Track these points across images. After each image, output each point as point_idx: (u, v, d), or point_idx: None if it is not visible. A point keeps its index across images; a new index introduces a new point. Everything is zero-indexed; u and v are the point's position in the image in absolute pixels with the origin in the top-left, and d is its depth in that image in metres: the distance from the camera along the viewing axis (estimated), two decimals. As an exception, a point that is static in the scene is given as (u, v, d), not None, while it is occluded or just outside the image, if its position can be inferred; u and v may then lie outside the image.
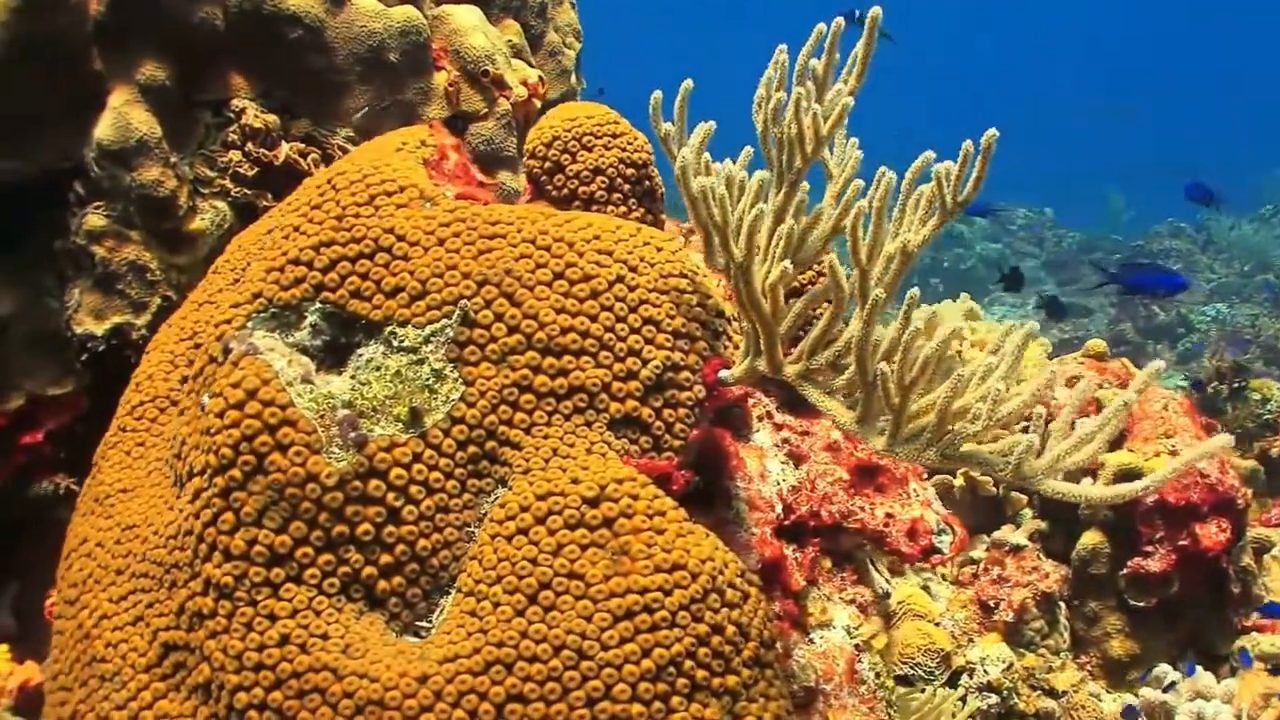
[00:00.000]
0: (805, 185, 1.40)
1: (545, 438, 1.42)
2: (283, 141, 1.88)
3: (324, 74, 1.92)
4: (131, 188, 1.78)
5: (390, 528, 1.37)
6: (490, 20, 2.24)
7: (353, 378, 1.42)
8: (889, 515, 1.77)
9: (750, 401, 1.80)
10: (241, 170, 1.85)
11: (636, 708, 1.30)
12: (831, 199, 1.45)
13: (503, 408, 1.41)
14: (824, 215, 1.38)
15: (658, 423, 1.45)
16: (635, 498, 1.38)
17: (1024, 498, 2.36)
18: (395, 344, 1.43)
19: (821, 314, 1.35)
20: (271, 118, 1.89)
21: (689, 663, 1.33)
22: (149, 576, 1.46)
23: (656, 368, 1.45)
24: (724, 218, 1.27)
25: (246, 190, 1.86)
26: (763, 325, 1.33)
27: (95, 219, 1.80)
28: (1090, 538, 2.22)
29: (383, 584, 1.37)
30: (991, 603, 2.17)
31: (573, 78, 2.46)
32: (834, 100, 1.38)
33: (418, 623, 1.39)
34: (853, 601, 1.74)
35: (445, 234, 1.46)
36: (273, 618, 1.34)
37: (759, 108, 1.44)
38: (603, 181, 1.69)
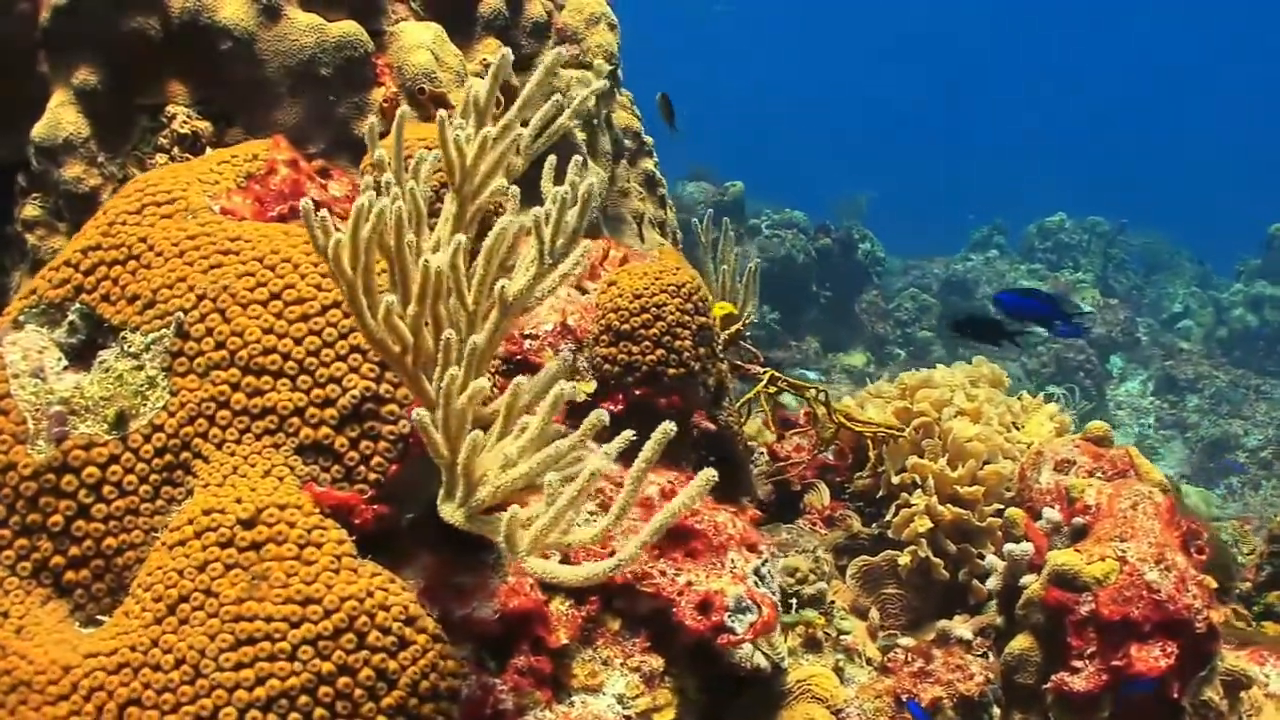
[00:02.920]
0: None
1: (232, 455, 1.44)
2: (208, 149, 1.99)
3: (255, 85, 2.01)
4: (59, 182, 1.94)
5: (80, 522, 1.43)
6: (471, 38, 2.27)
7: (86, 377, 1.50)
8: (688, 584, 1.65)
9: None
10: (167, 173, 1.98)
11: (241, 733, 1.30)
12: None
13: (200, 420, 1.45)
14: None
15: (352, 453, 1.44)
16: (291, 525, 1.37)
17: (984, 588, 2.13)
18: (125, 349, 1.49)
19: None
20: (204, 124, 2.00)
21: (305, 699, 1.31)
22: (-77, 538, 1.59)
23: (355, 397, 1.43)
24: (323, 243, 1.24)
25: (170, 192, 1.98)
26: (389, 359, 1.29)
27: (31, 209, 1.98)
28: (1019, 642, 1.96)
29: (70, 574, 1.44)
30: (905, 697, 1.98)
31: (574, 98, 2.43)
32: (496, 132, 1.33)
33: (100, 616, 1.44)
34: (637, 670, 1.64)
35: (187, 246, 1.51)
36: (-34, 591, 1.43)
37: None
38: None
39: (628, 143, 3.22)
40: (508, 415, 1.13)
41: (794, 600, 2.11)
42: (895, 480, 2.21)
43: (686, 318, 1.76)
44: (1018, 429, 2.35)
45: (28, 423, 1.45)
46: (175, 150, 1.99)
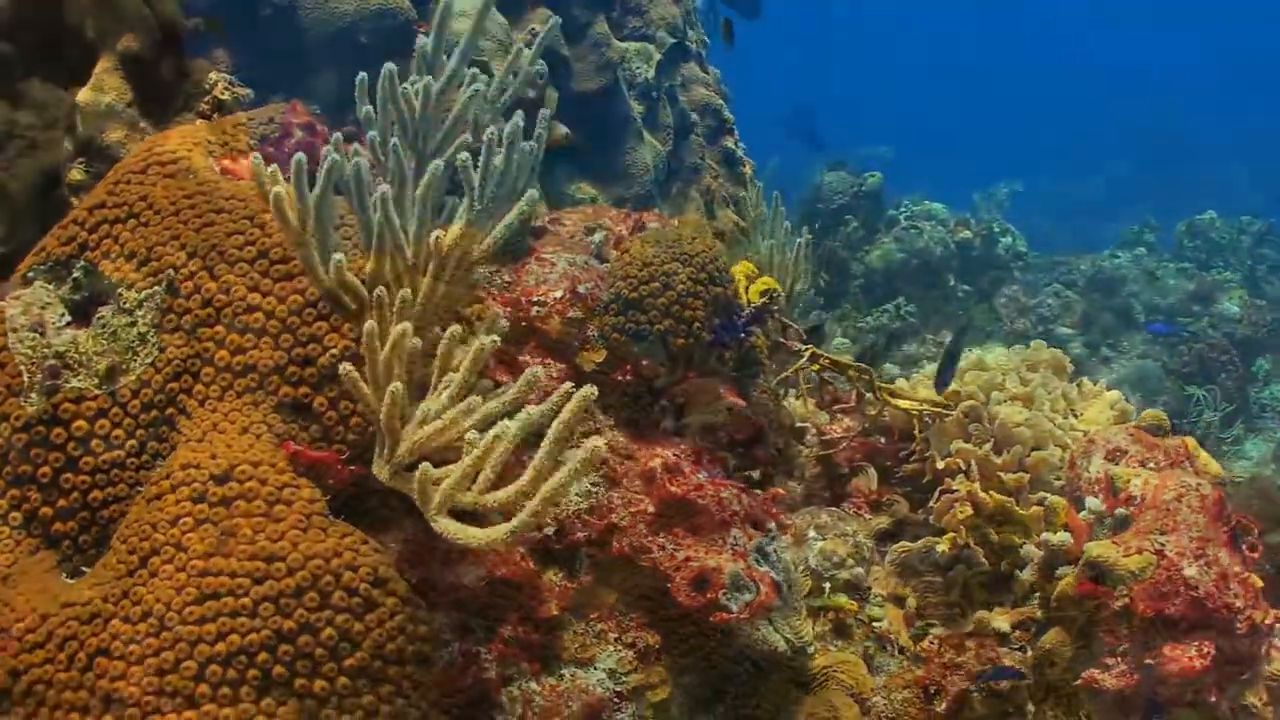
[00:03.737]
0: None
1: (213, 411, 1.44)
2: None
3: (295, 52, 2.02)
4: (102, 147, 1.98)
5: (68, 475, 1.45)
6: (524, 8, 2.25)
7: (84, 332, 1.52)
8: (686, 559, 1.60)
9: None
10: (206, 139, 2.01)
11: (202, 688, 1.30)
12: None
13: (185, 377, 1.45)
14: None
15: (330, 413, 1.43)
16: (263, 482, 1.37)
17: (1026, 580, 2.02)
18: (120, 305, 1.51)
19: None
20: (245, 90, 2.02)
21: (264, 655, 1.31)
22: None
23: (334, 356, 1.42)
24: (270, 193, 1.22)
25: (209, 157, 2.01)
26: (346, 316, 1.27)
27: (75, 173, 2.02)
28: (1052, 636, 1.86)
29: (58, 526, 1.46)
30: (933, 689, 1.89)
31: (631, 70, 2.39)
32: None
33: (85, 567, 1.46)
34: (632, 645, 1.59)
35: (184, 205, 1.52)
36: (-39, 538, 1.47)
37: None
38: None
39: (704, 119, 3.16)
40: (442, 371, 1.10)
41: (827, 584, 2.04)
42: (940, 465, 2.12)
43: (699, 288, 1.71)
44: (1075, 416, 2.23)
45: (23, 375, 1.48)
46: (215, 116, 2.01)
